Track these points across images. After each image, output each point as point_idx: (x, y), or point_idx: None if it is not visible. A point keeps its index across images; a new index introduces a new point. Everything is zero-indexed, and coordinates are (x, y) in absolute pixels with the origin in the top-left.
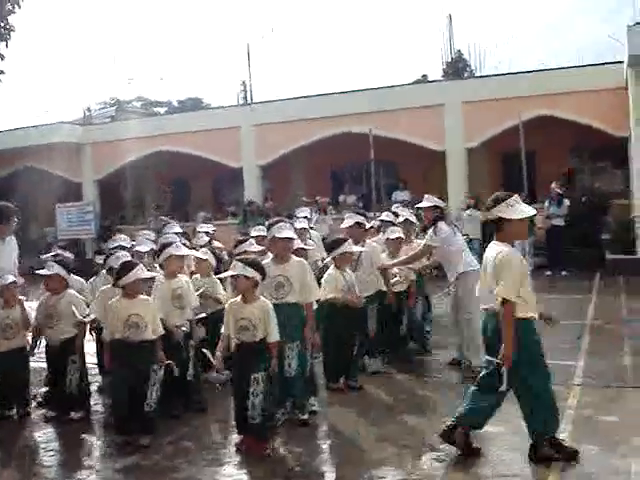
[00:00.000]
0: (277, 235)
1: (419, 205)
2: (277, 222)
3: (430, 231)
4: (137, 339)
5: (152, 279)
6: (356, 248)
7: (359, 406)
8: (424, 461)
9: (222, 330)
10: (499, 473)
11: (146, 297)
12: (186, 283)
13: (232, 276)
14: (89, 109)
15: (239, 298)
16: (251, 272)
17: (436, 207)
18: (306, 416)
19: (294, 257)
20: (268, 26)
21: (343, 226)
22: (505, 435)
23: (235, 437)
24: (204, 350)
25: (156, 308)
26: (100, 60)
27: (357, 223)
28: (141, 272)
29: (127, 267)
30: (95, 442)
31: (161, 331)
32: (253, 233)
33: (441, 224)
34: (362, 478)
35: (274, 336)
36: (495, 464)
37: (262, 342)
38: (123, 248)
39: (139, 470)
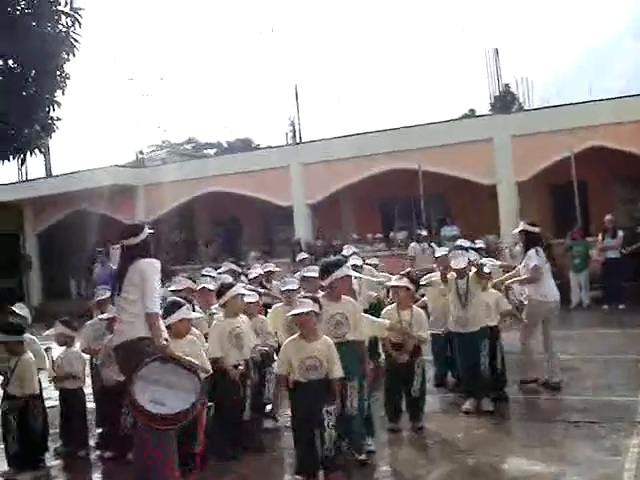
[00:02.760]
0: (339, 274)
1: (516, 230)
2: (336, 262)
3: (531, 252)
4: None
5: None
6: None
7: (416, 446)
8: None
9: (276, 370)
10: None
11: (192, 337)
12: (244, 323)
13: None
14: (141, 152)
15: (297, 336)
16: (318, 309)
17: (528, 232)
18: (364, 456)
19: (344, 296)
20: (316, 65)
21: (458, 266)
22: None
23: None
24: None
25: (202, 347)
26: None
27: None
28: (187, 312)
29: (174, 307)
30: None
31: (209, 370)
32: (305, 274)
33: (539, 247)
34: None
35: (339, 372)
36: None
37: (327, 378)
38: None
39: None
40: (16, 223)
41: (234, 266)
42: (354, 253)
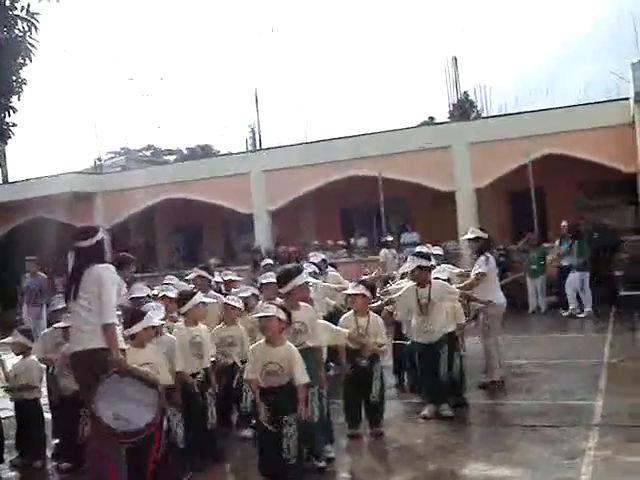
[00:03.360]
0: (297, 282)
1: (465, 237)
2: (295, 269)
3: (481, 260)
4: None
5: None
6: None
7: (376, 452)
8: None
9: (246, 376)
10: None
11: (154, 346)
12: (204, 331)
13: (263, 317)
14: (99, 159)
15: (263, 341)
16: (283, 315)
17: (479, 238)
18: (323, 463)
19: (302, 304)
20: (274, 68)
21: (404, 270)
22: None
23: None
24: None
25: (164, 357)
26: (109, 108)
27: (419, 267)
28: (151, 320)
29: (137, 316)
30: None
31: (170, 380)
32: (263, 280)
33: (488, 254)
34: None
35: (303, 378)
36: None
37: (289, 385)
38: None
39: None
40: None
41: (204, 272)
42: (323, 260)
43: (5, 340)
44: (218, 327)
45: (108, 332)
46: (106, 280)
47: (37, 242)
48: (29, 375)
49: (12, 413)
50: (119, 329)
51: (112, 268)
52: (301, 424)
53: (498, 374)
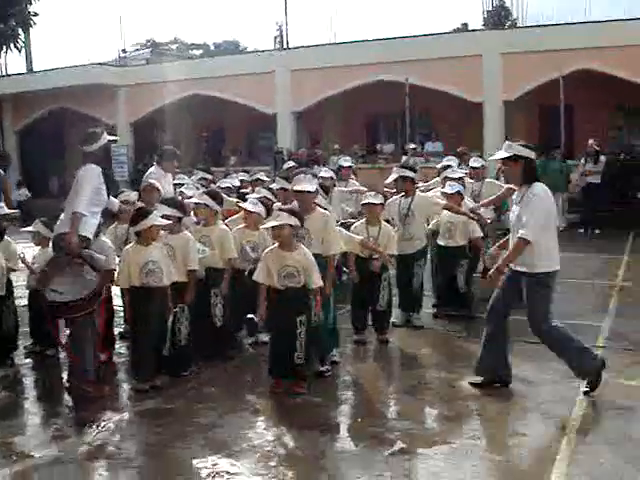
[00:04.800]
0: (295, 188)
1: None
2: (298, 173)
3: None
4: (154, 285)
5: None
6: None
7: (381, 359)
8: (437, 414)
9: (256, 277)
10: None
11: (159, 244)
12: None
13: (276, 226)
14: (124, 51)
15: (276, 247)
16: (295, 221)
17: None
18: (325, 367)
19: (318, 209)
20: None
21: (388, 181)
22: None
23: (257, 385)
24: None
25: (167, 254)
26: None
27: (401, 177)
28: (156, 219)
29: (143, 213)
30: (118, 386)
31: (174, 277)
32: (276, 185)
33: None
34: (377, 431)
35: (317, 282)
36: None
37: (304, 287)
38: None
39: (161, 413)
40: None
41: (205, 174)
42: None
43: (26, 229)
44: (239, 230)
45: (73, 219)
46: (84, 176)
47: (60, 132)
48: None
49: (26, 302)
50: (87, 219)
51: (97, 169)
52: (309, 327)
53: None
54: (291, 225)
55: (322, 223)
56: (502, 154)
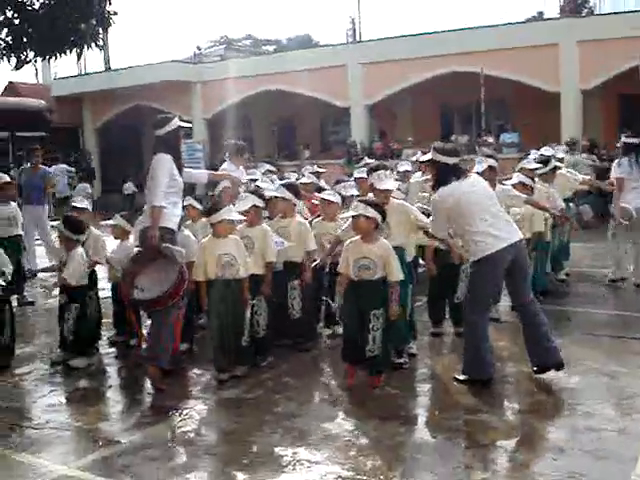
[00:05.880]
0: (376, 186)
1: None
2: (377, 168)
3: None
4: (230, 277)
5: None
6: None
7: (458, 351)
8: (515, 407)
9: (339, 269)
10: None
11: (236, 237)
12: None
13: (353, 217)
14: (199, 47)
15: (358, 238)
16: (372, 212)
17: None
18: (402, 360)
19: (394, 201)
20: None
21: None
22: None
23: (335, 375)
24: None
25: (244, 247)
26: None
27: (490, 167)
28: (228, 213)
29: (215, 207)
30: (197, 375)
31: (252, 270)
32: (356, 175)
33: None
34: (454, 423)
35: (397, 275)
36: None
37: (380, 281)
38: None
39: (240, 402)
40: (76, 117)
41: (270, 166)
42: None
43: (106, 222)
44: (318, 222)
45: (152, 213)
46: (157, 166)
47: (137, 130)
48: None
49: (110, 294)
50: (167, 211)
51: (168, 157)
52: (387, 320)
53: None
54: (367, 217)
55: (397, 215)
56: (425, 157)
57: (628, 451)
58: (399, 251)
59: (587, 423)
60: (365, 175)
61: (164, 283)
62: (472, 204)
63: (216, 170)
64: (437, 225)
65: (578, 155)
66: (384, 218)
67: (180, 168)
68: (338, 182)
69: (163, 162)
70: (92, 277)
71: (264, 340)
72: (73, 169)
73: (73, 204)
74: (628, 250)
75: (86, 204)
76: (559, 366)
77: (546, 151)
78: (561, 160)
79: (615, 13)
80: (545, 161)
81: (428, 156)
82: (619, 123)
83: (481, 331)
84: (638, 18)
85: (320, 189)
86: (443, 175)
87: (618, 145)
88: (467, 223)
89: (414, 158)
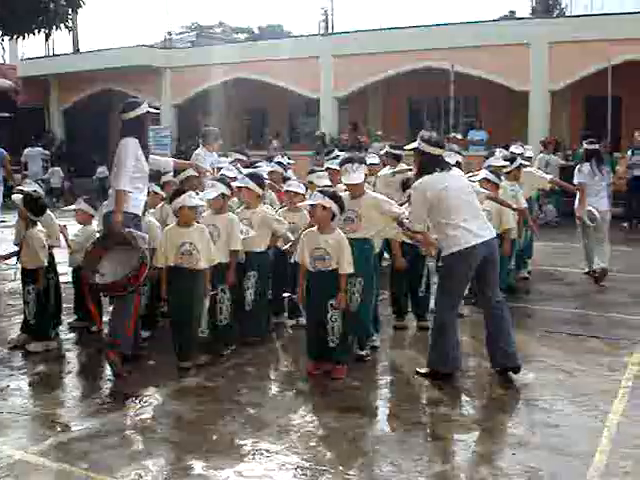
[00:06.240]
0: (344, 181)
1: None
2: (349, 160)
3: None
4: (187, 266)
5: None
6: None
7: (421, 345)
8: (475, 403)
9: (297, 259)
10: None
11: (201, 226)
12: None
13: (310, 205)
14: (170, 33)
15: (315, 228)
16: (329, 202)
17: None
18: (364, 352)
19: (369, 193)
20: None
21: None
22: None
23: (297, 366)
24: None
25: (209, 238)
26: None
27: (457, 162)
28: (189, 200)
29: (177, 193)
30: (158, 364)
31: (213, 261)
32: (327, 164)
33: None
34: (415, 416)
35: (346, 268)
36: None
37: (336, 271)
38: None
39: (201, 391)
40: (42, 99)
41: (240, 156)
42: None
43: (69, 207)
44: (281, 211)
45: (117, 197)
46: (124, 150)
47: (105, 114)
48: (88, 242)
49: (70, 278)
50: (132, 195)
51: (134, 141)
52: (346, 311)
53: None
54: (324, 207)
55: (367, 207)
56: (410, 145)
57: (585, 446)
58: (368, 243)
59: (545, 418)
60: (337, 167)
61: (126, 268)
62: (452, 198)
63: (185, 157)
64: (416, 215)
65: (552, 154)
66: (342, 210)
67: (147, 154)
68: (312, 172)
69: (129, 146)
70: (51, 261)
71: (227, 329)
72: (48, 152)
73: (77, 206)
74: (594, 248)
75: (83, 205)
76: (517, 370)
77: (516, 149)
78: (529, 159)
79: (586, 15)
80: (512, 159)
81: (414, 145)
82: (584, 125)
83: (450, 325)
84: (609, 20)
85: (285, 179)
86: (427, 165)
87: (581, 150)
88: (444, 216)
89: (382, 152)
